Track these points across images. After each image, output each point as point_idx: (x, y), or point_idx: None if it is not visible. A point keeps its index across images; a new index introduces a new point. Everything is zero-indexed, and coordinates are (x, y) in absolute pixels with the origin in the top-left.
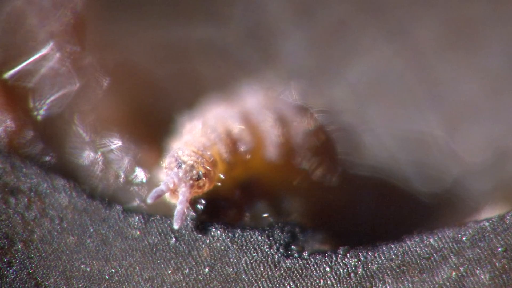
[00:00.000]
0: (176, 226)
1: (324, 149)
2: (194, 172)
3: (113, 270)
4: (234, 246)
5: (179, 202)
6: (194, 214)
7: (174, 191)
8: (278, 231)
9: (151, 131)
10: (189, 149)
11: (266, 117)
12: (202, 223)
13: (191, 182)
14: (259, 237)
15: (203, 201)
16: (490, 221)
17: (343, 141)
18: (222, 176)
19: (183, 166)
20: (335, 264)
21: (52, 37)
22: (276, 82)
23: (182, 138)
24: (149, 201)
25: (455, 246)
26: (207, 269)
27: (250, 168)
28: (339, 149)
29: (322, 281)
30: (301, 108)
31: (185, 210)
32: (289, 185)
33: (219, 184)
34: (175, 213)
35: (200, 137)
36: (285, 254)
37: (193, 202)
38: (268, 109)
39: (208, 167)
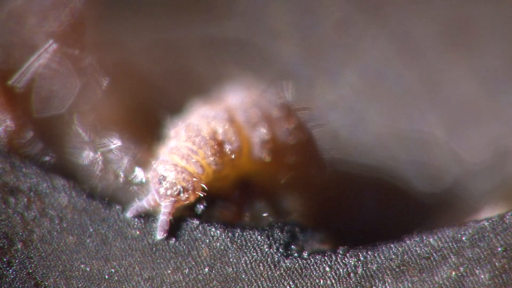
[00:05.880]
0: (159, 237)
1: (308, 146)
2: (175, 188)
3: (112, 270)
4: (234, 246)
5: (162, 214)
6: (195, 213)
7: (156, 206)
8: (277, 231)
9: (151, 131)
10: (171, 162)
11: (251, 115)
12: (202, 223)
13: (171, 199)
14: (259, 237)
15: (203, 201)
16: (490, 221)
17: (328, 138)
18: (205, 186)
19: (163, 183)
20: (334, 264)
21: (52, 37)
22: (261, 81)
23: (168, 144)
24: (128, 215)
25: (455, 245)
26: (206, 269)
27: (237, 167)
28: (323, 146)
29: (322, 281)
30: (285, 106)
31: (168, 221)
32: (278, 183)
33: (202, 194)
34: (158, 224)
35: (185, 142)
36: (284, 254)
37: (193, 203)
38: (252, 107)
39: (189, 181)
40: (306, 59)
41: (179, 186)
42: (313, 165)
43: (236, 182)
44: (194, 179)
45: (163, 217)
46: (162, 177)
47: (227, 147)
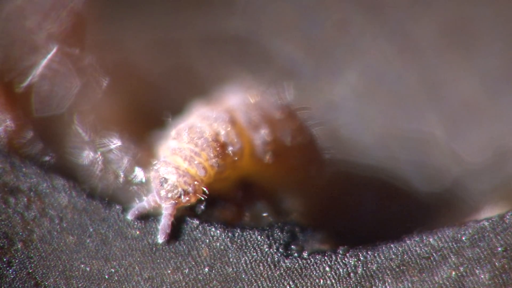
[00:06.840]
0: (160, 240)
1: (309, 147)
2: (176, 191)
3: (112, 270)
4: (234, 245)
5: (163, 217)
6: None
7: (157, 207)
8: (277, 231)
9: (151, 131)
10: (173, 164)
11: (252, 117)
12: (202, 223)
13: (172, 201)
14: (259, 237)
15: (203, 201)
16: (490, 221)
17: (328, 138)
18: (206, 190)
19: (165, 185)
20: (334, 264)
21: (52, 37)
22: (262, 81)
23: (169, 145)
24: (129, 217)
25: (455, 245)
26: (206, 269)
27: (239, 168)
28: (324, 145)
29: (321, 281)
30: (286, 106)
31: (169, 224)
32: (278, 183)
33: (203, 197)
34: (160, 227)
35: (187, 143)
36: (284, 253)
37: (194, 204)
38: (253, 109)
39: (190, 184)
40: (307, 59)
41: (180, 189)
42: (313, 165)
43: (237, 182)
44: (196, 182)
45: (164, 220)
46: (163, 179)
47: (229, 149)
